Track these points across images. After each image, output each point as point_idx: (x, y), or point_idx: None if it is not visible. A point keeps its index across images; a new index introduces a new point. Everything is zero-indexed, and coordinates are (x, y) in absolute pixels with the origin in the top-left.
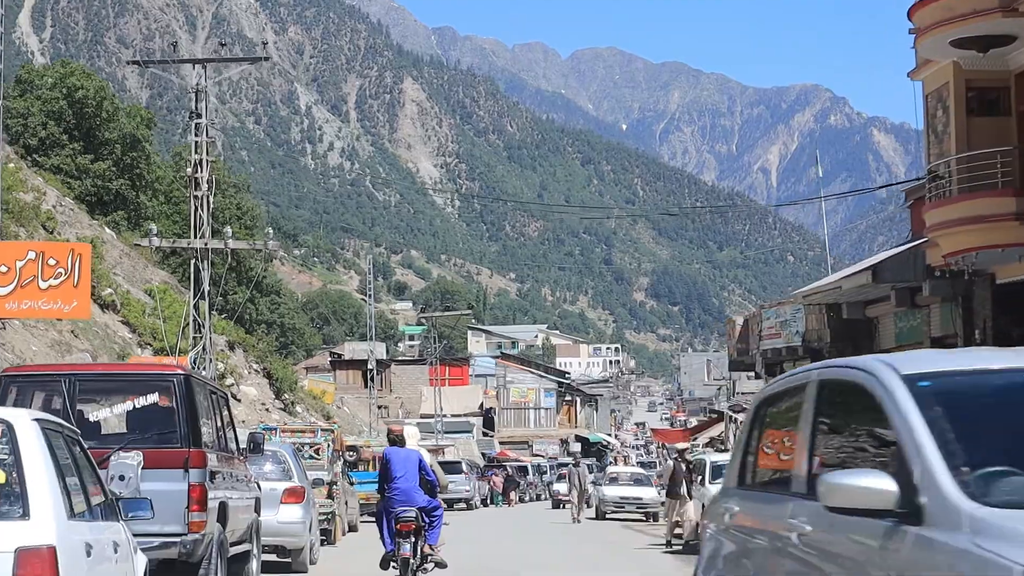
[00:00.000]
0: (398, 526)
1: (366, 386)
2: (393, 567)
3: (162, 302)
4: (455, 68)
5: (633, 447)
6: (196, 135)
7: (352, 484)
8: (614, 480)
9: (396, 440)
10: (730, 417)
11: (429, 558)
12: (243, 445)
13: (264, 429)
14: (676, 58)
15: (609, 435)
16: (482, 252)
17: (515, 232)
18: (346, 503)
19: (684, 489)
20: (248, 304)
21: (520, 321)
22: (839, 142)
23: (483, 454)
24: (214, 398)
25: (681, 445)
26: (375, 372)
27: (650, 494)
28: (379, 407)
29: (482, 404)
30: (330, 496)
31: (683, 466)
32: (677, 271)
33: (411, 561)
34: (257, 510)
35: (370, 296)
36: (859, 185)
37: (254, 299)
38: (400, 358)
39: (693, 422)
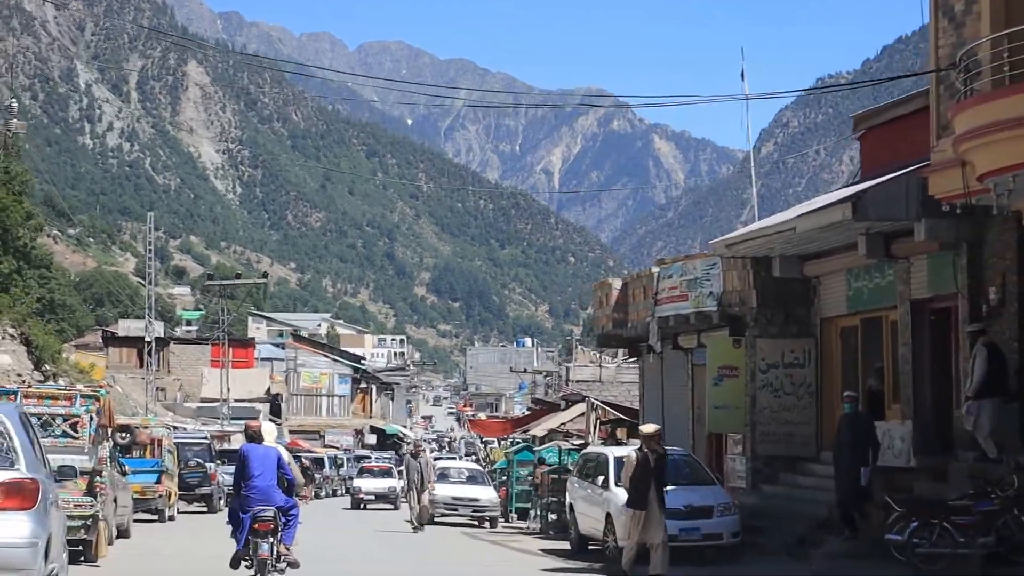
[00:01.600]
0: (255, 525)
1: (142, 365)
2: (245, 566)
3: None
4: (241, 53)
5: (425, 441)
6: None
7: (124, 474)
8: (444, 476)
9: (254, 436)
10: (592, 404)
11: (283, 558)
12: None
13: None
14: (463, 55)
15: (405, 427)
16: (263, 240)
17: (297, 222)
18: (115, 500)
19: (654, 494)
20: (15, 276)
21: (301, 311)
22: (621, 147)
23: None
24: None
25: (648, 428)
26: (153, 348)
27: (488, 495)
28: (158, 389)
29: (269, 389)
30: (91, 492)
31: (651, 459)
32: (459, 267)
33: (268, 561)
34: None
35: (150, 262)
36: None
37: (21, 270)
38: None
39: (482, 416)
